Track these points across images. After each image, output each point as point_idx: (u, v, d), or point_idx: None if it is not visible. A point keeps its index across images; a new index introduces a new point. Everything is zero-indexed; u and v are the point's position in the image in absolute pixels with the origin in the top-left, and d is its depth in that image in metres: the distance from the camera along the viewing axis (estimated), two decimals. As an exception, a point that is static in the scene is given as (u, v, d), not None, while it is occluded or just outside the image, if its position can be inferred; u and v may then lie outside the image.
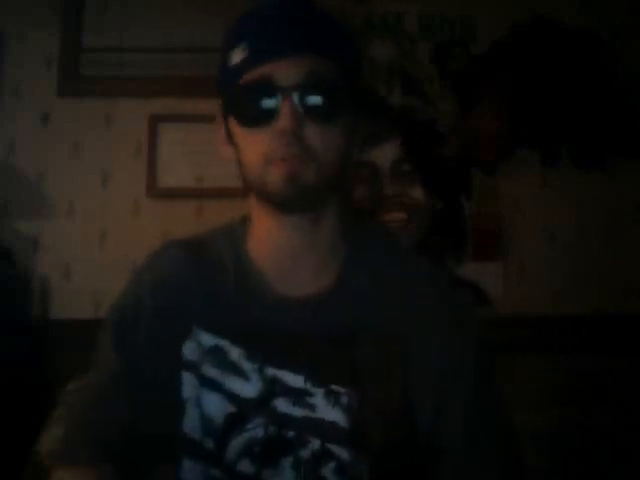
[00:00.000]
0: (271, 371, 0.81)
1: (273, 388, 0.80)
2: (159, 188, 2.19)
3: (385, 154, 1.13)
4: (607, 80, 2.20)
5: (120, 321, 0.87)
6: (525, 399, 1.72)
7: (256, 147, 0.79)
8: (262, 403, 0.80)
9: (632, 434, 1.79)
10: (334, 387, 0.80)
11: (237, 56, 0.80)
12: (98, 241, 2.17)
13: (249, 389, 0.81)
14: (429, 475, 0.80)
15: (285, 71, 0.77)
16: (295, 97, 0.76)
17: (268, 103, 0.77)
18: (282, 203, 0.79)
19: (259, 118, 0.78)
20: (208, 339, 0.83)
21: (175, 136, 2.20)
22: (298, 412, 0.80)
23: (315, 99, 0.77)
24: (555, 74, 2.16)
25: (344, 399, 0.79)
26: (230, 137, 0.84)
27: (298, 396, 0.80)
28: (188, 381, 0.83)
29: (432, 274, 0.90)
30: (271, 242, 0.85)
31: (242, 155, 0.81)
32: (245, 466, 0.80)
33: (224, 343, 0.82)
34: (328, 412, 0.79)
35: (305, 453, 0.79)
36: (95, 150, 2.21)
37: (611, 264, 2.18)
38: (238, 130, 0.81)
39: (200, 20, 2.24)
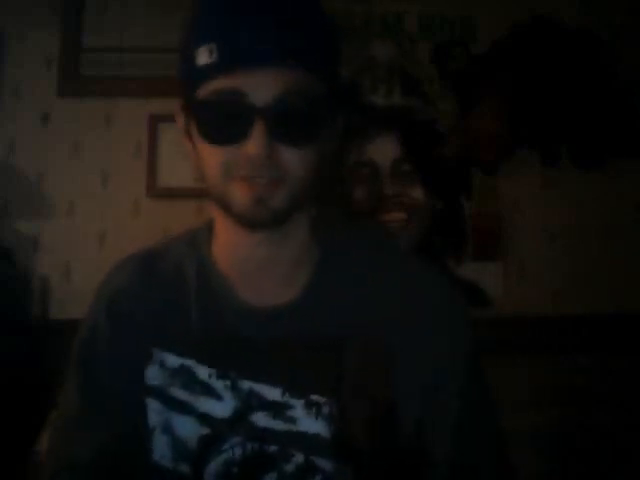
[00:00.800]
0: (247, 384, 0.76)
1: (250, 402, 0.75)
2: (159, 188, 2.19)
3: (385, 154, 1.13)
4: (607, 80, 2.20)
5: (80, 353, 0.82)
6: (525, 399, 1.72)
7: (219, 161, 0.70)
8: (238, 420, 0.76)
9: (632, 434, 1.79)
10: (314, 397, 0.75)
11: (203, 56, 0.68)
12: (98, 241, 2.17)
13: (222, 408, 0.76)
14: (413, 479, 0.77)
15: (261, 86, 0.66)
16: (269, 119, 0.66)
17: (237, 122, 0.67)
18: (248, 224, 0.73)
19: (226, 137, 0.69)
20: (172, 360, 0.78)
21: (175, 136, 2.18)
22: (279, 426, 0.75)
23: (292, 122, 0.68)
24: (555, 74, 2.16)
25: (325, 409, 0.75)
26: (189, 136, 0.75)
27: (277, 409, 0.75)
28: (153, 407, 0.78)
29: (420, 274, 0.83)
30: (236, 254, 0.79)
31: (204, 167, 0.73)
32: None
33: (190, 363, 0.77)
34: (310, 424, 0.75)
35: (289, 468, 0.75)
36: (95, 150, 2.21)
37: (611, 264, 2.18)
38: (203, 145, 0.72)
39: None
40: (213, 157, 0.71)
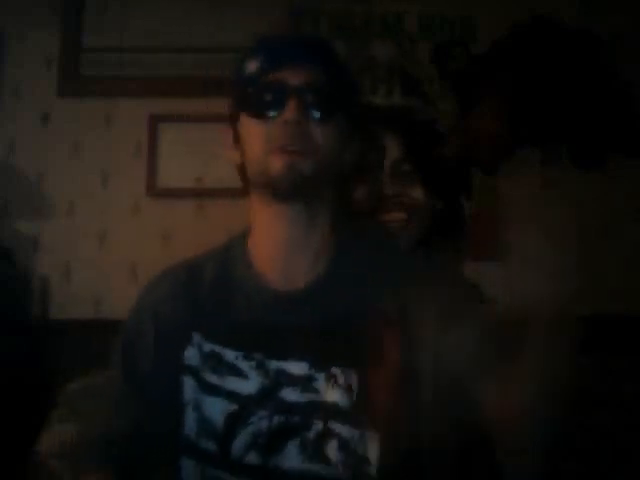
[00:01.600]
0: (274, 364, 0.87)
1: (279, 380, 0.86)
2: (159, 188, 2.19)
3: (385, 154, 1.13)
4: (607, 80, 2.20)
5: (125, 336, 0.95)
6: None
7: (262, 138, 0.88)
8: (265, 396, 0.86)
9: (632, 434, 1.79)
10: (333, 369, 0.85)
11: (253, 65, 0.92)
12: (98, 241, 2.17)
13: (248, 386, 0.87)
14: (439, 456, 0.83)
15: (293, 75, 0.89)
16: (300, 95, 0.87)
17: (277, 99, 0.88)
18: (281, 190, 0.87)
19: (269, 111, 0.88)
20: (206, 345, 0.90)
21: (175, 136, 2.20)
22: (304, 398, 0.85)
23: (315, 101, 0.88)
24: (555, 74, 2.16)
25: (341, 379, 0.85)
26: (237, 140, 0.94)
27: (304, 383, 0.86)
28: (189, 385, 0.90)
29: (426, 261, 0.97)
30: (269, 234, 0.92)
31: (248, 149, 0.91)
32: (252, 458, 0.85)
33: (219, 348, 0.89)
34: (329, 393, 0.85)
35: (310, 434, 0.84)
36: (95, 150, 2.21)
37: (611, 264, 2.18)
38: (248, 125, 0.91)
39: (200, 20, 2.25)
40: (257, 132, 0.89)
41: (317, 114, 0.88)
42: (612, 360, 1.96)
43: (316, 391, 0.85)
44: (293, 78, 0.89)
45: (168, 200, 2.18)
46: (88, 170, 2.20)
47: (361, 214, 1.12)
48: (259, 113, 0.90)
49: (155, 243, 2.14)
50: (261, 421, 0.86)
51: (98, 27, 2.25)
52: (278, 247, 0.91)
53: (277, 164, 0.86)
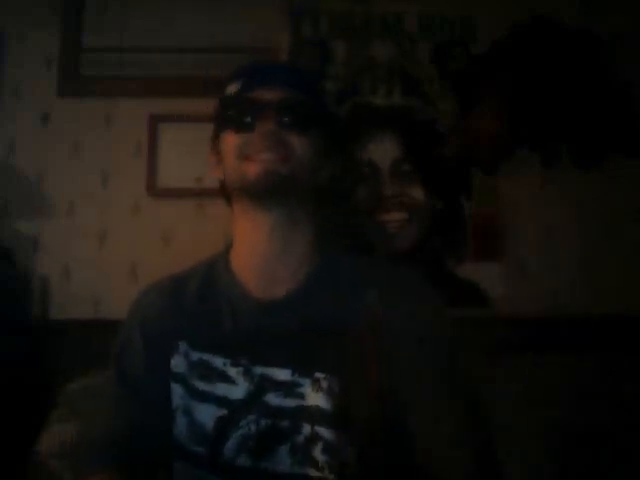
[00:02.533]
0: (259, 370, 0.91)
1: (262, 385, 0.90)
2: (159, 188, 2.19)
3: (385, 154, 1.13)
4: (607, 80, 2.20)
5: (119, 341, 1.01)
6: (525, 399, 1.72)
7: (239, 147, 0.94)
8: (252, 401, 0.90)
9: (632, 434, 1.79)
10: (317, 375, 0.89)
11: (234, 87, 0.98)
12: (98, 241, 2.17)
13: (237, 391, 0.91)
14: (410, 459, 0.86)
15: (270, 93, 0.95)
16: (276, 108, 0.93)
17: (253, 112, 0.94)
18: (258, 192, 0.92)
19: (246, 124, 0.94)
20: (193, 354, 0.95)
21: (175, 136, 2.20)
22: (290, 403, 0.89)
23: (290, 113, 0.94)
24: (555, 74, 2.16)
25: (324, 384, 0.88)
26: (218, 159, 0.99)
27: (288, 388, 0.89)
28: (177, 391, 0.94)
29: (404, 270, 1.00)
30: (250, 243, 0.96)
31: (226, 158, 0.97)
32: (243, 461, 0.89)
33: (207, 356, 0.94)
34: (314, 398, 0.88)
35: (299, 439, 0.88)
36: (95, 150, 2.21)
37: (611, 264, 2.18)
38: (227, 138, 0.97)
39: (200, 20, 2.25)
40: (234, 143, 0.94)
41: (292, 126, 0.93)
42: (612, 360, 1.96)
43: (302, 396, 0.89)
44: (268, 95, 0.94)
45: (168, 200, 2.18)
46: (88, 170, 2.20)
47: (361, 214, 1.12)
48: (237, 127, 0.95)
49: (155, 243, 2.14)
50: (250, 425, 0.89)
51: (98, 27, 2.25)
52: (259, 256, 0.95)
53: (253, 169, 0.91)
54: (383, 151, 1.14)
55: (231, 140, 0.96)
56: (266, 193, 0.92)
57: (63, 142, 2.21)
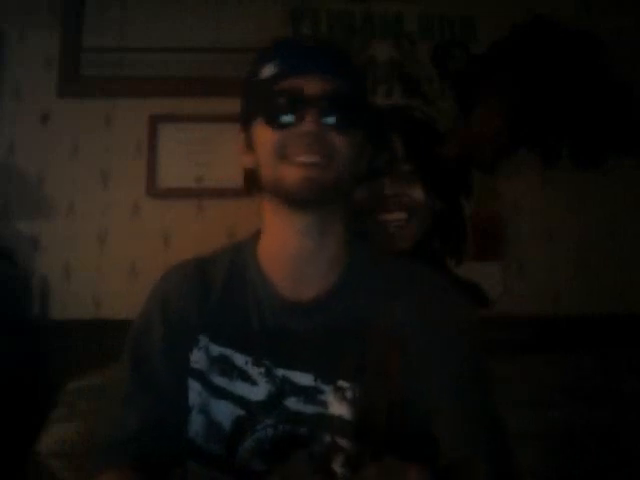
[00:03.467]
0: (281, 372, 0.86)
1: (283, 388, 0.86)
2: (159, 188, 2.19)
3: (385, 154, 1.13)
4: (606, 80, 2.20)
5: (135, 337, 0.93)
6: (525, 399, 1.72)
7: (278, 146, 0.86)
8: (271, 404, 0.86)
9: (632, 434, 1.79)
10: (340, 383, 0.85)
11: (269, 70, 0.89)
12: (98, 241, 2.17)
13: (257, 392, 0.87)
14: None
15: (312, 85, 0.86)
16: (318, 105, 0.85)
17: (295, 109, 0.86)
18: (297, 200, 0.85)
19: (286, 121, 0.86)
20: (214, 348, 0.90)
21: (175, 136, 2.20)
22: (310, 409, 0.85)
23: (333, 112, 0.86)
24: (555, 74, 2.16)
25: (349, 394, 0.84)
26: (249, 144, 0.92)
27: (309, 394, 0.85)
28: (194, 388, 0.89)
29: (430, 275, 0.95)
30: (282, 243, 0.90)
31: (261, 156, 0.89)
32: (258, 464, 0.85)
33: (229, 352, 0.89)
34: (336, 407, 0.84)
35: (317, 447, 0.84)
36: (95, 150, 2.21)
37: (611, 264, 2.18)
38: (263, 132, 0.88)
39: (200, 20, 2.25)
40: (272, 140, 0.86)
41: (335, 124, 0.86)
42: (612, 360, 1.96)
43: (323, 404, 0.85)
44: (311, 87, 0.86)
45: (168, 200, 2.18)
46: (88, 170, 2.20)
47: (361, 214, 1.12)
48: (275, 121, 0.87)
49: (155, 243, 2.14)
50: (267, 428, 0.86)
51: (98, 27, 2.25)
52: (290, 257, 0.90)
53: (294, 175, 0.84)
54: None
55: (267, 135, 0.88)
56: (305, 200, 0.85)
57: (63, 142, 2.21)
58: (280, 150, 0.86)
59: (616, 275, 2.17)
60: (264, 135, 0.88)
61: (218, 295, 0.92)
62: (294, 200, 0.86)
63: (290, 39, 1.02)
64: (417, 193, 1.14)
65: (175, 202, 2.18)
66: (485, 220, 2.17)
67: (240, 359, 0.88)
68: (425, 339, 0.85)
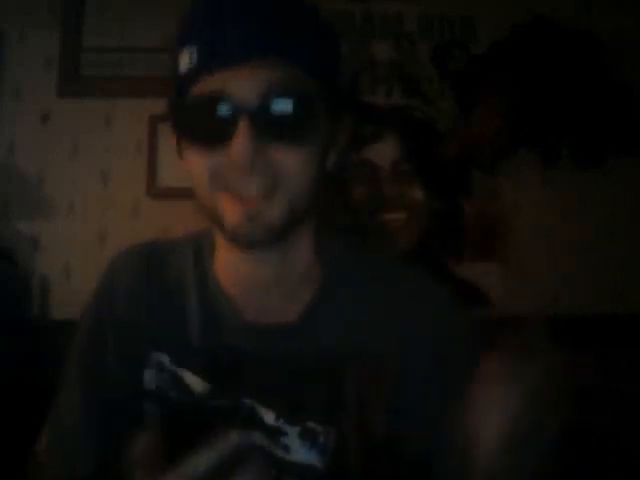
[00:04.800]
0: (247, 402, 0.69)
1: (248, 421, 0.69)
2: (159, 188, 2.19)
3: (385, 154, 1.13)
4: (606, 80, 2.20)
5: (79, 354, 0.79)
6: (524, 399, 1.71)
7: (205, 168, 0.65)
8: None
9: (632, 434, 1.79)
10: (310, 424, 0.68)
11: (186, 61, 0.64)
12: (98, 241, 2.17)
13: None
14: None
15: (242, 83, 0.61)
16: (254, 115, 0.60)
17: (221, 124, 0.61)
18: (242, 244, 0.67)
19: (210, 140, 0.63)
20: (169, 365, 0.73)
21: (173, 142, 2.20)
22: (274, 450, 0.68)
23: (280, 120, 0.61)
24: (555, 74, 2.16)
25: (321, 439, 0.68)
26: (181, 151, 0.71)
27: (272, 434, 0.68)
28: (150, 410, 0.74)
29: (421, 293, 0.75)
30: (236, 272, 0.74)
31: (194, 179, 0.68)
32: None
33: (186, 373, 0.72)
34: (303, 454, 0.68)
35: None
36: (95, 150, 2.21)
37: (611, 264, 2.18)
38: (191, 154, 0.67)
39: (200, 20, 2.25)
40: (200, 164, 0.65)
41: (285, 136, 0.62)
42: (612, 360, 1.96)
43: (287, 448, 0.68)
44: (243, 85, 0.60)
45: (168, 200, 2.18)
46: (88, 170, 2.20)
47: (361, 214, 1.12)
48: (198, 141, 0.64)
49: (155, 243, 2.14)
50: None
51: (98, 27, 2.25)
52: (247, 284, 0.73)
53: (230, 211, 0.64)
54: (383, 151, 1.14)
55: (195, 160, 0.66)
56: (249, 244, 0.66)
57: (63, 142, 2.21)
58: (214, 181, 0.64)
59: (616, 275, 2.17)
60: (193, 159, 0.66)
61: (172, 302, 0.75)
62: (237, 241, 0.67)
63: (212, 5, 0.63)
64: (417, 193, 1.14)
65: (175, 202, 2.17)
66: (485, 220, 2.17)
67: (197, 384, 0.71)
68: (417, 367, 0.69)
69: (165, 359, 0.73)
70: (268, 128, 0.61)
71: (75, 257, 2.15)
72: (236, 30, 0.61)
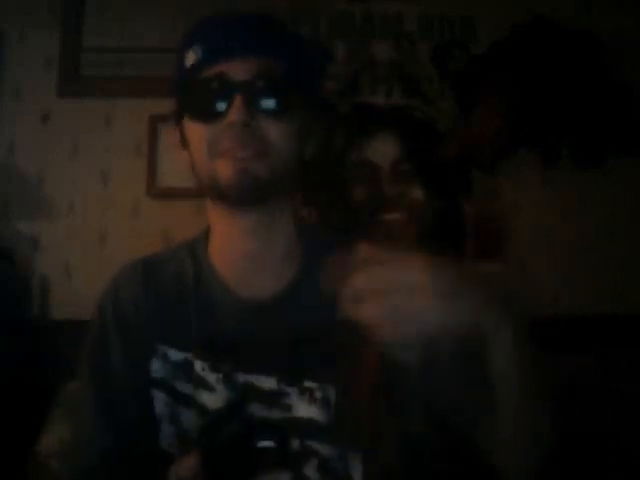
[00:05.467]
0: (242, 377, 0.80)
1: (246, 394, 0.80)
2: (159, 188, 2.19)
3: (385, 154, 1.13)
4: (606, 80, 2.20)
5: (91, 353, 0.88)
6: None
7: (206, 142, 0.80)
8: (232, 411, 0.79)
9: (632, 434, 1.79)
10: (307, 384, 0.79)
11: (191, 57, 0.82)
12: (98, 241, 2.17)
13: (215, 400, 0.80)
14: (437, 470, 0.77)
15: (236, 69, 0.79)
16: (247, 94, 0.78)
17: (220, 97, 0.79)
18: (233, 197, 0.80)
19: (212, 112, 0.79)
20: (174, 355, 0.83)
21: (175, 136, 2.20)
22: (275, 414, 0.79)
23: (267, 97, 0.79)
24: (555, 74, 2.16)
25: (318, 394, 0.79)
26: (184, 141, 0.86)
27: (273, 398, 0.79)
28: (159, 398, 0.83)
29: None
30: (229, 246, 0.86)
31: (193, 153, 0.83)
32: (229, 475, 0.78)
33: (189, 357, 0.83)
34: (304, 409, 0.79)
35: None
36: (95, 150, 2.21)
37: (611, 264, 2.18)
38: (191, 127, 0.83)
39: (200, 20, 2.25)
40: (200, 136, 0.81)
41: (268, 110, 0.79)
42: (612, 360, 1.96)
43: (288, 407, 0.79)
44: (237, 71, 0.79)
45: (168, 200, 2.18)
46: (88, 170, 2.20)
47: (361, 214, 1.12)
48: (200, 115, 0.81)
49: (155, 243, 2.14)
50: None
51: (98, 27, 2.25)
52: (239, 257, 0.85)
53: (226, 170, 0.78)
54: (383, 151, 1.14)
55: (196, 130, 0.81)
56: (241, 198, 0.79)
57: (63, 142, 2.21)
58: (210, 145, 0.79)
59: (616, 275, 2.17)
60: (193, 130, 0.82)
61: (171, 298, 0.86)
62: (230, 198, 0.80)
63: (212, 18, 0.87)
64: (417, 193, 1.14)
65: (175, 202, 2.18)
66: (485, 220, 2.17)
67: (198, 365, 0.82)
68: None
69: (169, 349, 0.83)
70: (255, 103, 0.78)
71: (75, 257, 2.15)
72: (231, 34, 0.81)
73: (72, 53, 2.23)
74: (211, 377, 0.81)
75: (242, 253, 0.85)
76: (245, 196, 0.79)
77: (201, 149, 0.81)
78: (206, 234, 0.92)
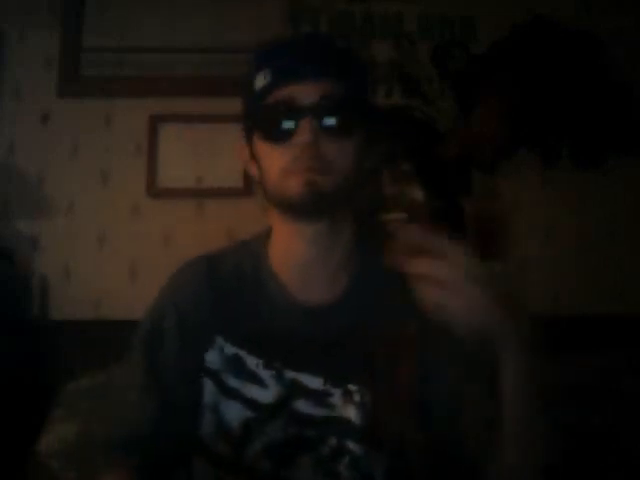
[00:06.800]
0: (290, 374, 0.87)
1: (292, 390, 0.87)
2: (159, 188, 2.19)
3: (384, 154, 1.13)
4: (606, 80, 2.20)
5: (149, 330, 0.93)
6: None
7: (277, 161, 0.86)
8: (280, 406, 0.87)
9: (632, 434, 1.79)
10: (350, 386, 0.86)
11: (261, 80, 0.88)
12: (98, 241, 2.17)
13: (267, 395, 0.87)
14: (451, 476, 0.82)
15: (304, 93, 0.85)
16: (313, 116, 0.84)
17: (289, 121, 0.85)
18: (300, 209, 0.86)
19: (281, 134, 0.85)
20: (228, 349, 0.90)
21: (175, 136, 2.20)
22: (319, 412, 0.86)
23: (331, 118, 0.85)
24: (555, 74, 2.16)
25: (357, 397, 0.85)
26: (252, 156, 0.92)
27: (318, 397, 0.86)
28: (208, 388, 0.89)
29: None
30: (290, 253, 0.92)
31: (264, 170, 0.89)
32: (264, 466, 0.86)
33: (242, 353, 0.89)
34: (344, 410, 0.85)
35: (324, 450, 0.85)
36: (95, 150, 2.21)
37: (611, 264, 2.18)
38: (262, 147, 0.89)
39: (200, 20, 2.25)
40: (271, 155, 0.87)
41: (332, 129, 0.85)
42: (612, 360, 1.96)
43: (332, 406, 0.86)
44: (304, 94, 0.85)
45: (168, 200, 2.18)
46: (88, 170, 2.20)
47: (361, 214, 1.12)
48: (271, 136, 0.87)
49: (155, 243, 2.14)
50: (276, 430, 0.86)
51: (98, 27, 2.25)
52: (299, 264, 0.91)
53: (295, 184, 0.84)
54: (382, 151, 1.14)
55: (267, 149, 0.88)
56: (308, 210, 0.86)
57: (63, 142, 2.21)
58: (281, 165, 0.85)
59: (616, 275, 2.17)
60: (263, 149, 0.88)
61: (231, 294, 0.92)
62: (297, 210, 0.86)
63: (281, 43, 0.92)
64: (417, 193, 1.14)
65: (175, 202, 2.18)
66: (485, 220, 2.17)
67: (252, 361, 0.89)
68: (439, 339, 0.82)
69: (225, 342, 0.90)
70: (323, 121, 0.84)
71: (75, 257, 2.15)
72: (299, 58, 0.87)
73: (72, 53, 2.23)
74: (265, 374, 0.88)
75: (302, 260, 0.91)
76: (312, 209, 0.86)
77: (272, 166, 0.87)
78: (265, 236, 0.97)
